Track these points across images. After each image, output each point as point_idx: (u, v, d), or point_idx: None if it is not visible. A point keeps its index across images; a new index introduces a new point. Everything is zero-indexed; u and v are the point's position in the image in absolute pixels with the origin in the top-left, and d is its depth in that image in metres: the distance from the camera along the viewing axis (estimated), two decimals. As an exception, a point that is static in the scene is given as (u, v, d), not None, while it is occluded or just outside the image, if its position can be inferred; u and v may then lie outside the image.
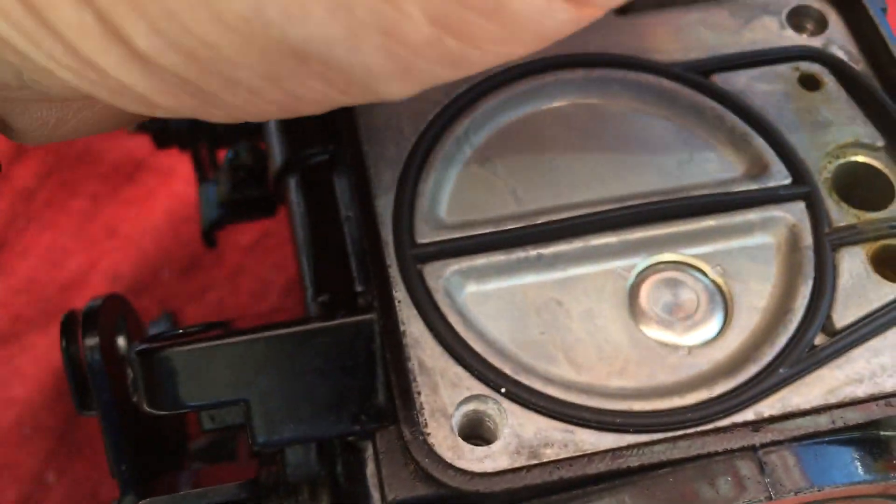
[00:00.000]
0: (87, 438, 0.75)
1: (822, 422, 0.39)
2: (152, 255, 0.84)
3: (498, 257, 0.44)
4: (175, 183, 0.89)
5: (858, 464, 0.40)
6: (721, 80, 0.50)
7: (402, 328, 0.42)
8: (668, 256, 0.46)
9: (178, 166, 0.90)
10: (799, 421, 0.39)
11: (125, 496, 0.46)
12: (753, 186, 0.46)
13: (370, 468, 0.42)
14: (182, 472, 0.50)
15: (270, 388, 0.41)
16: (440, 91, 0.49)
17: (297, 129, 0.53)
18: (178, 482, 0.48)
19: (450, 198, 0.47)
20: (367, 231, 0.44)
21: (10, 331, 0.80)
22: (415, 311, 0.43)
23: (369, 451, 0.42)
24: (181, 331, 0.43)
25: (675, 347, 0.43)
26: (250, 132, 0.60)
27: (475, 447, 0.39)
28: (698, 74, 0.50)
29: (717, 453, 0.39)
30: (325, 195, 0.50)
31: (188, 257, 0.84)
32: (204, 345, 0.41)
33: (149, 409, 0.42)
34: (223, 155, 0.63)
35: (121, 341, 0.49)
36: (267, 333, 0.41)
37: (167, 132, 0.60)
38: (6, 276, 0.83)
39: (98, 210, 0.88)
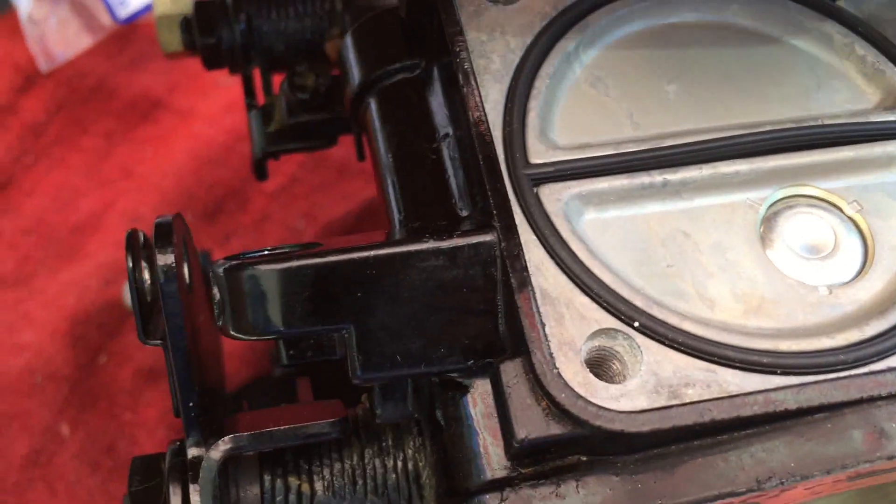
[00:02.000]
0: (103, 389, 0.70)
1: None
2: (173, 198, 0.78)
3: (620, 181, 0.40)
4: (196, 124, 0.83)
5: None
6: (848, 5, 0.46)
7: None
8: (801, 189, 0.42)
9: (199, 106, 0.84)
10: (966, 365, 0.36)
11: (190, 436, 0.41)
12: (891, 118, 0.43)
13: (479, 407, 0.37)
14: (240, 416, 0.45)
15: (376, 315, 0.37)
16: (548, 4, 0.45)
17: (377, 45, 0.48)
18: (238, 425, 0.43)
19: (561, 118, 0.43)
20: (481, 147, 0.40)
21: (18, 274, 0.74)
22: (533, 236, 0.38)
23: (479, 389, 0.38)
24: (269, 250, 0.38)
25: (814, 287, 0.39)
26: (310, 53, 0.55)
27: (609, 384, 0.35)
28: (825, -2, 0.46)
29: (879, 397, 0.35)
30: (414, 114, 0.45)
31: (212, 201, 0.79)
32: (301, 262, 0.36)
33: (234, 334, 0.37)
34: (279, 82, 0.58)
35: (185, 270, 0.44)
36: (374, 252, 0.37)
37: (218, 49, 0.54)
38: (13, 215, 0.77)
39: (112, 149, 0.82)
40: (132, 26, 0.84)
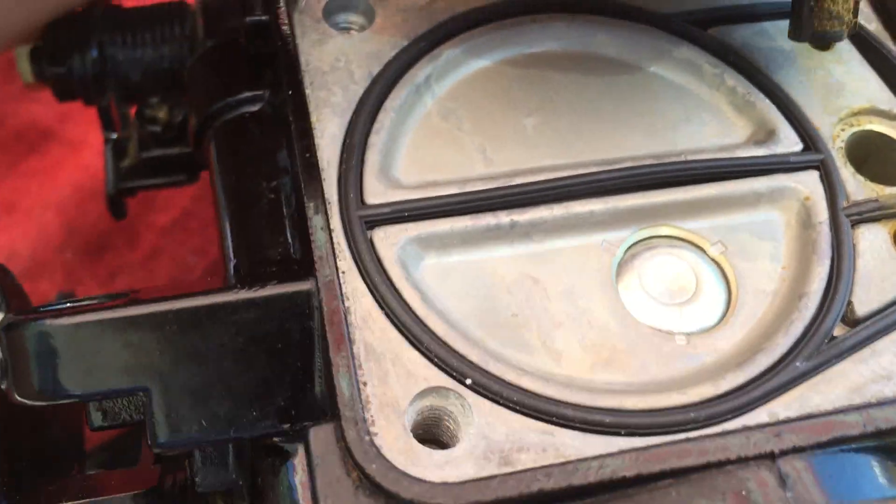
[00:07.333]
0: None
1: (851, 425, 0.33)
2: (54, 233, 0.74)
3: (464, 223, 0.37)
4: (85, 155, 0.79)
5: (892, 475, 0.33)
6: (720, 33, 0.43)
7: (346, 304, 0.34)
8: (661, 230, 0.39)
9: (91, 137, 0.80)
10: (823, 424, 0.33)
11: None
12: (760, 153, 0.40)
13: (300, 476, 0.34)
14: (72, 480, 0.41)
15: (178, 375, 0.33)
16: (400, 32, 0.42)
17: (224, 75, 0.44)
18: (66, 492, 0.39)
19: (407, 154, 0.40)
20: (307, 187, 0.36)
21: None
22: (362, 285, 0.35)
23: (299, 456, 0.34)
24: (68, 302, 0.34)
25: (671, 334, 0.36)
26: (167, 84, 0.52)
27: (433, 451, 0.32)
28: (695, 26, 0.43)
29: (728, 462, 0.32)
30: (258, 149, 0.42)
31: (97, 237, 0.74)
32: (94, 317, 0.33)
33: (19, 399, 0.33)
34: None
35: None
36: (176, 305, 0.33)
37: (69, 81, 0.51)
38: None
39: (-5, 182, 0.78)
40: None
